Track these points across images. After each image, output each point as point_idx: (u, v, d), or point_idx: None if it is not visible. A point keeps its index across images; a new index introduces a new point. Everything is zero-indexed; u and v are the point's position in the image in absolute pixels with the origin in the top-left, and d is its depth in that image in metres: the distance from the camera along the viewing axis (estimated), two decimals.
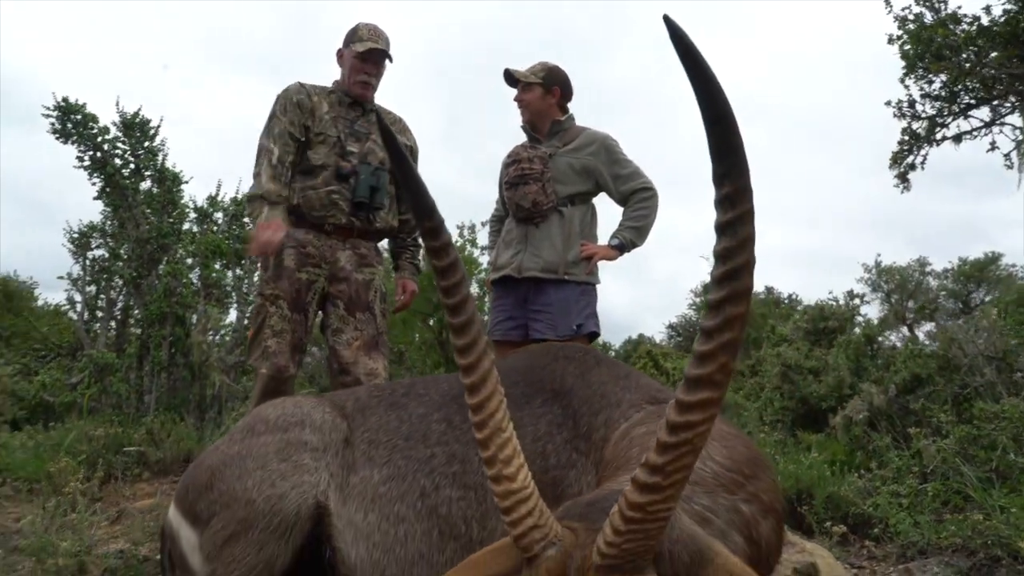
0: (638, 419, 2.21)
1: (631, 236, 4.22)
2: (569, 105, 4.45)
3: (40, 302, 15.32)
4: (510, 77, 4.38)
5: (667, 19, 1.12)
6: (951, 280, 27.14)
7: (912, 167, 8.36)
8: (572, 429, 2.40)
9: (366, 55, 3.95)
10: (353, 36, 4.02)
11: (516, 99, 4.39)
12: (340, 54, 4.10)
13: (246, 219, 5.31)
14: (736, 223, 1.16)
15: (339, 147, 3.92)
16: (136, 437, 5.13)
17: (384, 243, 4.42)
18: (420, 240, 4.40)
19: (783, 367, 5.58)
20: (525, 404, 2.44)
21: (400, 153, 1.43)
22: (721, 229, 1.18)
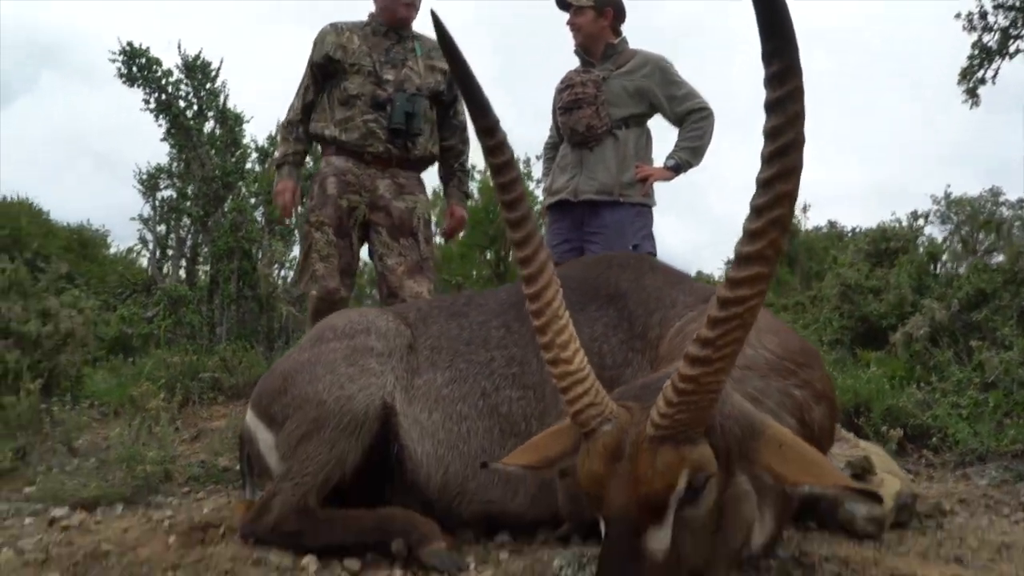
0: (691, 316, 2.26)
1: (687, 156, 4.19)
2: (622, 27, 4.40)
3: (112, 249, 15.90)
4: (562, 1, 4.34)
5: None
6: None
7: (982, 81, 7.99)
8: (627, 330, 2.47)
9: None
10: None
11: (568, 23, 4.36)
12: None
13: None
14: (785, 100, 1.19)
15: (374, 76, 4.00)
16: (210, 364, 5.37)
17: (433, 171, 4.49)
18: (466, 166, 4.48)
19: (843, 287, 5.52)
20: (580, 310, 2.50)
21: (452, 46, 1.47)
22: (770, 106, 1.21)
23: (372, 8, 4.19)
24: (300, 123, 4.09)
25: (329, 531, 2.35)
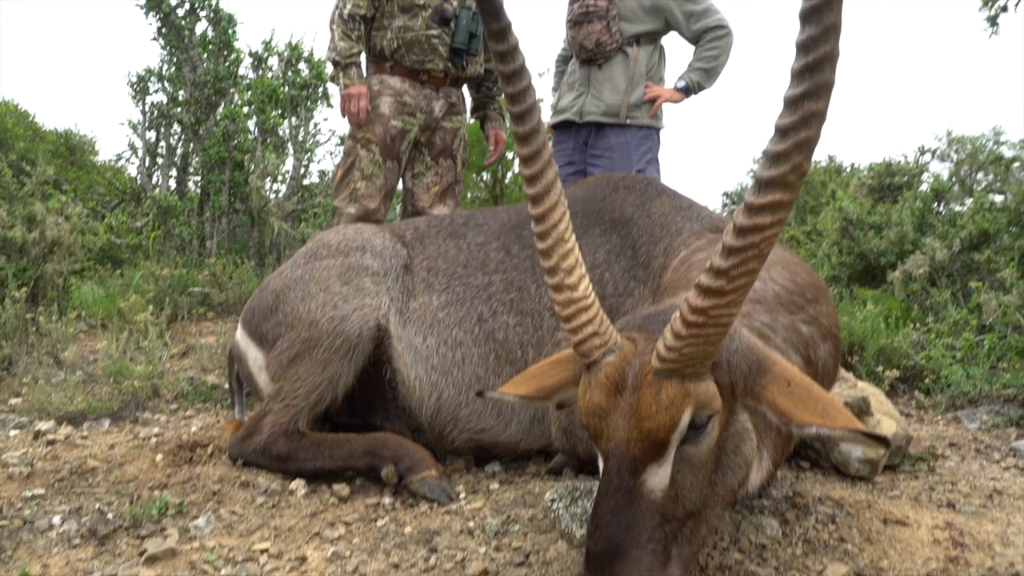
0: (698, 246, 2.19)
1: (699, 78, 4.05)
2: None
3: (101, 156, 15.56)
4: None
5: None
6: None
7: (1004, 8, 7.73)
8: (631, 258, 2.40)
9: None
10: None
11: None
12: None
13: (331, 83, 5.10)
14: (822, 8, 1.09)
15: None
16: (200, 279, 5.30)
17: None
18: None
19: (844, 221, 5.44)
20: (583, 234, 2.43)
21: None
22: (805, 15, 1.10)
23: None
24: (364, 20, 3.77)
25: (319, 455, 2.33)
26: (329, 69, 3.96)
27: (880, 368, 3.58)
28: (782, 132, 1.15)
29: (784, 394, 1.38)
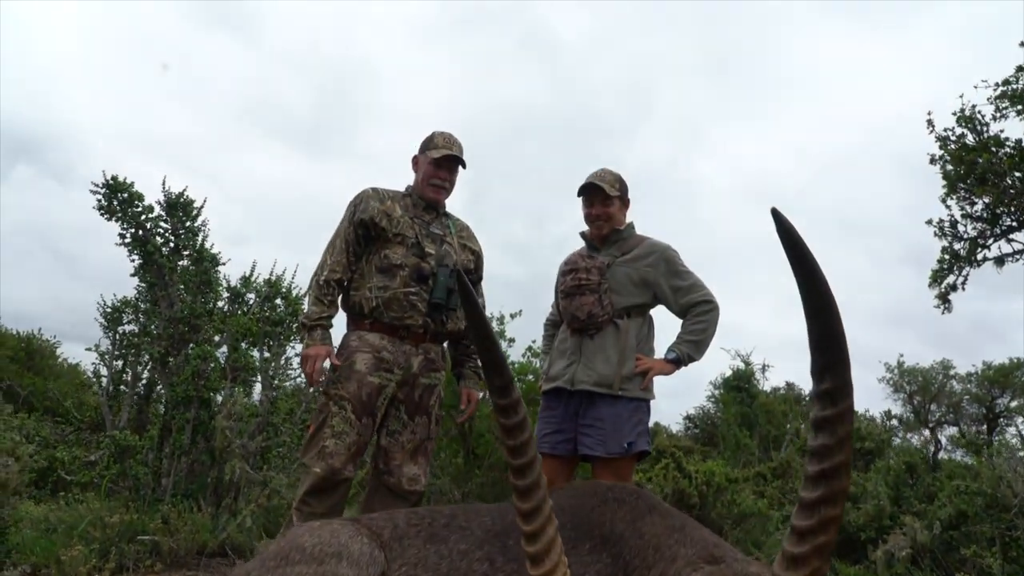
0: None
1: (688, 350, 4.10)
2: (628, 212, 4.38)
3: (60, 359, 15.28)
4: (591, 189, 4.21)
5: (775, 212, 1.13)
6: (975, 384, 26.76)
7: (953, 288, 8.28)
8: None
9: (441, 161, 4.06)
10: (429, 144, 4.13)
11: (598, 214, 4.23)
12: (415, 160, 4.18)
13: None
14: (836, 420, 1.13)
15: (417, 248, 3.96)
16: (152, 526, 5.01)
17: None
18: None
19: None
20: (572, 549, 2.32)
21: (478, 309, 1.52)
22: (819, 425, 1.15)
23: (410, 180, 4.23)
24: (339, 284, 3.92)
25: None
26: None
27: None
28: (800, 535, 1.16)
29: None
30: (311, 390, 6.08)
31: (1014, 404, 26.12)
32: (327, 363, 3.85)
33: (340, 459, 3.71)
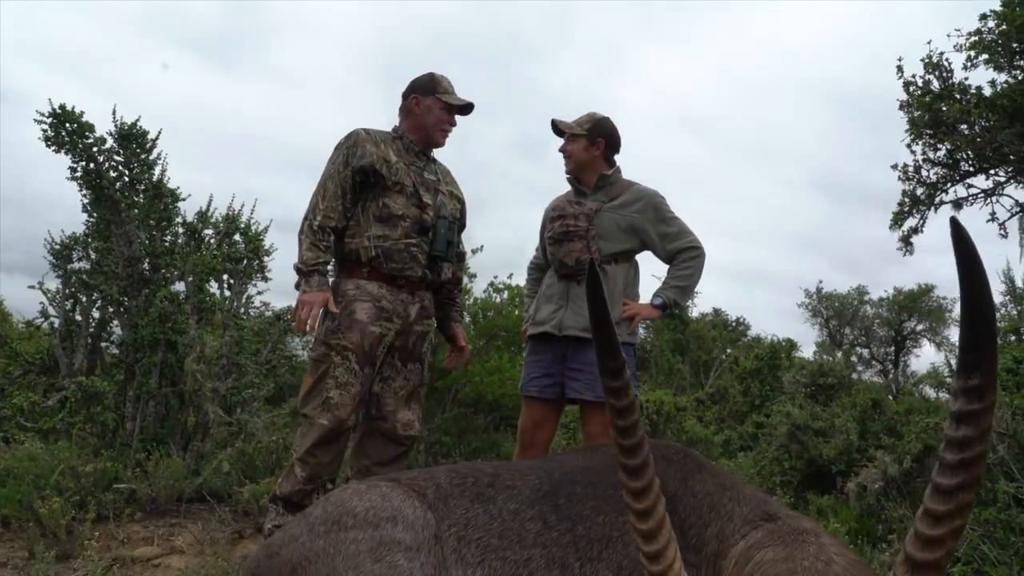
0: (758, 540, 2.12)
1: (675, 296, 4.17)
2: (616, 157, 4.36)
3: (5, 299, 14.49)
4: (556, 127, 4.31)
5: (954, 221, 1.17)
6: (886, 309, 28.29)
7: (915, 231, 8.60)
8: (679, 539, 2.30)
9: (458, 108, 4.04)
10: (436, 87, 4.01)
11: (561, 149, 4.33)
12: (416, 101, 4.01)
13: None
14: (980, 415, 1.22)
15: (416, 198, 3.88)
16: (128, 474, 4.87)
17: None
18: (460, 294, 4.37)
19: (792, 427, 5.61)
20: (624, 512, 2.34)
21: (601, 294, 1.45)
22: (962, 417, 1.23)
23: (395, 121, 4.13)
24: (333, 231, 3.77)
25: None
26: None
27: None
28: (936, 519, 1.26)
29: None
30: (301, 337, 5.89)
31: (920, 328, 27.77)
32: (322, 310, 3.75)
33: (346, 410, 3.68)
